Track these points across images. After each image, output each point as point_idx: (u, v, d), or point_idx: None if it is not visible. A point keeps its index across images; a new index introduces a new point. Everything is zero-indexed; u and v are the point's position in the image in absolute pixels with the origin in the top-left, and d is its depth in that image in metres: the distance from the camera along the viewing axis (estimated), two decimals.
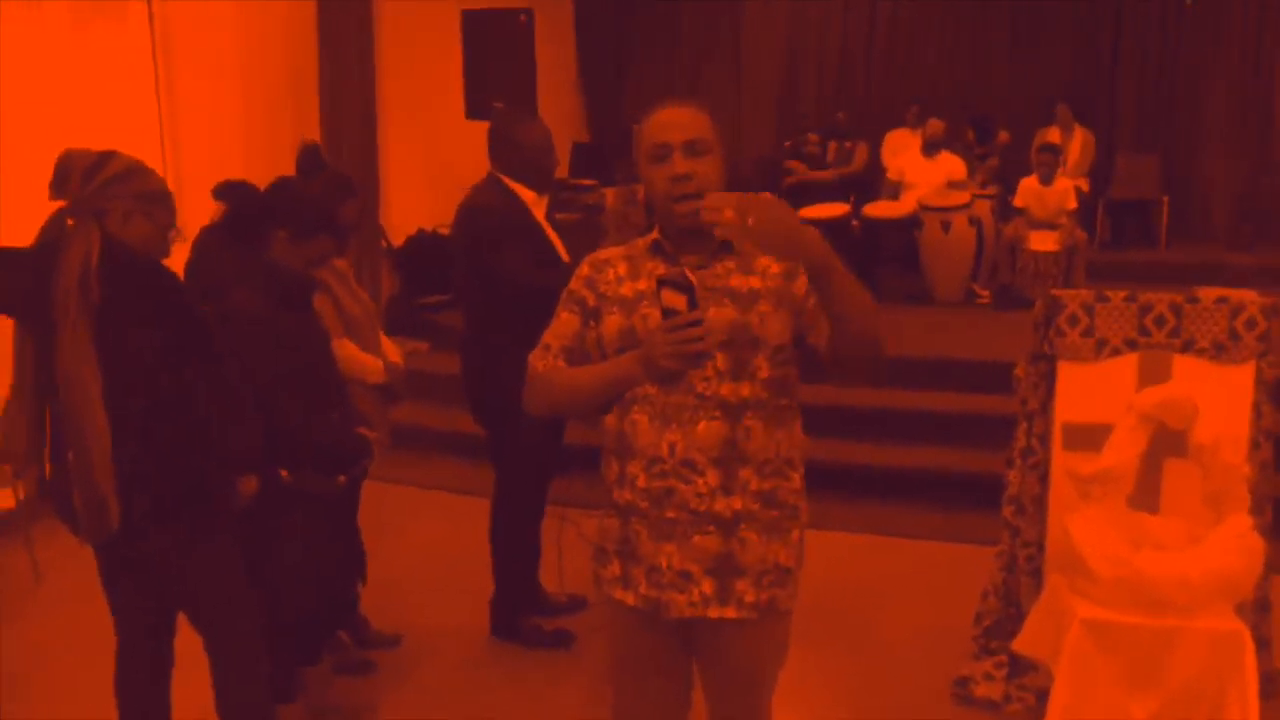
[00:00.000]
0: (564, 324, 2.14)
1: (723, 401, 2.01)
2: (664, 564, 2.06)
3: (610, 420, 2.10)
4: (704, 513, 2.03)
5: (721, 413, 2.01)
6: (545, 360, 2.13)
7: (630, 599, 2.12)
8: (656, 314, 1.90)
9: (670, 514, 2.04)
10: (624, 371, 1.99)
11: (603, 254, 2.18)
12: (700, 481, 2.02)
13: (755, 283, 2.05)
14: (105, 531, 2.42)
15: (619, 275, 2.12)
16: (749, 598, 2.07)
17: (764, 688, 2.23)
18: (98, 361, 2.36)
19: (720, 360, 2.01)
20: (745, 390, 2.02)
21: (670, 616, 2.09)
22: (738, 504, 2.04)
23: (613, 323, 2.08)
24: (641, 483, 2.05)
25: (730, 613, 2.07)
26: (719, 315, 2.01)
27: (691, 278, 1.85)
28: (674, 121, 2.03)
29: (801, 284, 2.04)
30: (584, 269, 2.17)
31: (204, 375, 2.52)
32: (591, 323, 2.12)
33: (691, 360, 1.88)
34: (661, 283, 1.86)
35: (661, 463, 2.03)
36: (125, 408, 2.40)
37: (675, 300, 1.84)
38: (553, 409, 2.21)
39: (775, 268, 2.07)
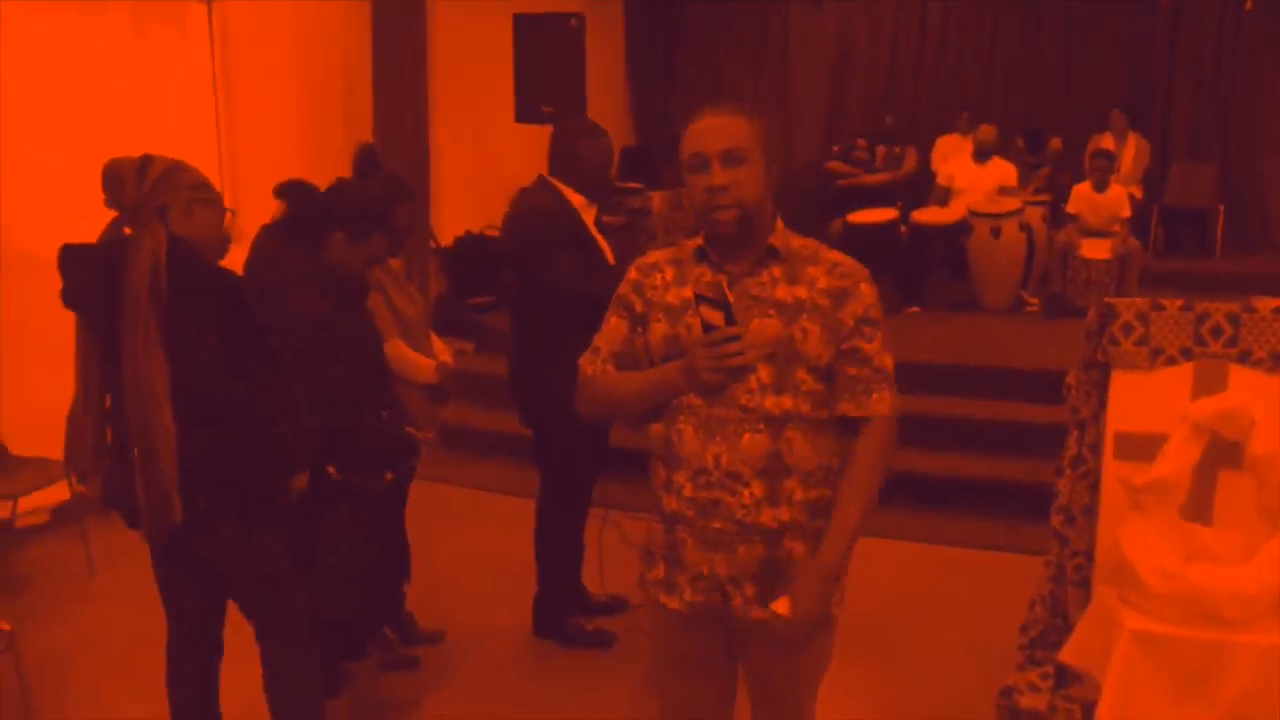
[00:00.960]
0: (613, 329, 2.15)
1: (766, 414, 1.99)
2: (707, 571, 2.07)
3: (658, 427, 2.10)
4: (750, 524, 2.02)
5: (765, 425, 1.99)
6: (594, 364, 2.14)
7: (675, 603, 2.12)
8: (700, 324, 1.90)
9: (717, 524, 2.03)
10: (668, 380, 2.01)
11: (650, 258, 2.18)
12: (746, 493, 2.01)
13: (801, 292, 2.03)
14: (167, 527, 2.45)
15: (666, 281, 2.11)
16: None
17: (808, 693, 2.23)
18: (164, 359, 2.40)
19: (764, 373, 1.99)
20: (788, 402, 2.00)
21: (715, 621, 2.09)
22: (784, 515, 2.03)
23: (659, 329, 2.09)
24: (689, 492, 2.05)
25: None
26: (763, 326, 1.99)
27: (729, 294, 1.84)
28: (710, 130, 2.01)
29: (848, 313, 2.02)
30: (632, 274, 2.17)
31: (262, 375, 2.56)
32: (639, 328, 2.12)
33: (732, 374, 1.88)
34: (699, 299, 1.86)
35: (707, 474, 2.02)
36: (187, 405, 2.43)
37: (713, 316, 1.84)
38: (601, 413, 2.23)
39: (823, 281, 2.04)
